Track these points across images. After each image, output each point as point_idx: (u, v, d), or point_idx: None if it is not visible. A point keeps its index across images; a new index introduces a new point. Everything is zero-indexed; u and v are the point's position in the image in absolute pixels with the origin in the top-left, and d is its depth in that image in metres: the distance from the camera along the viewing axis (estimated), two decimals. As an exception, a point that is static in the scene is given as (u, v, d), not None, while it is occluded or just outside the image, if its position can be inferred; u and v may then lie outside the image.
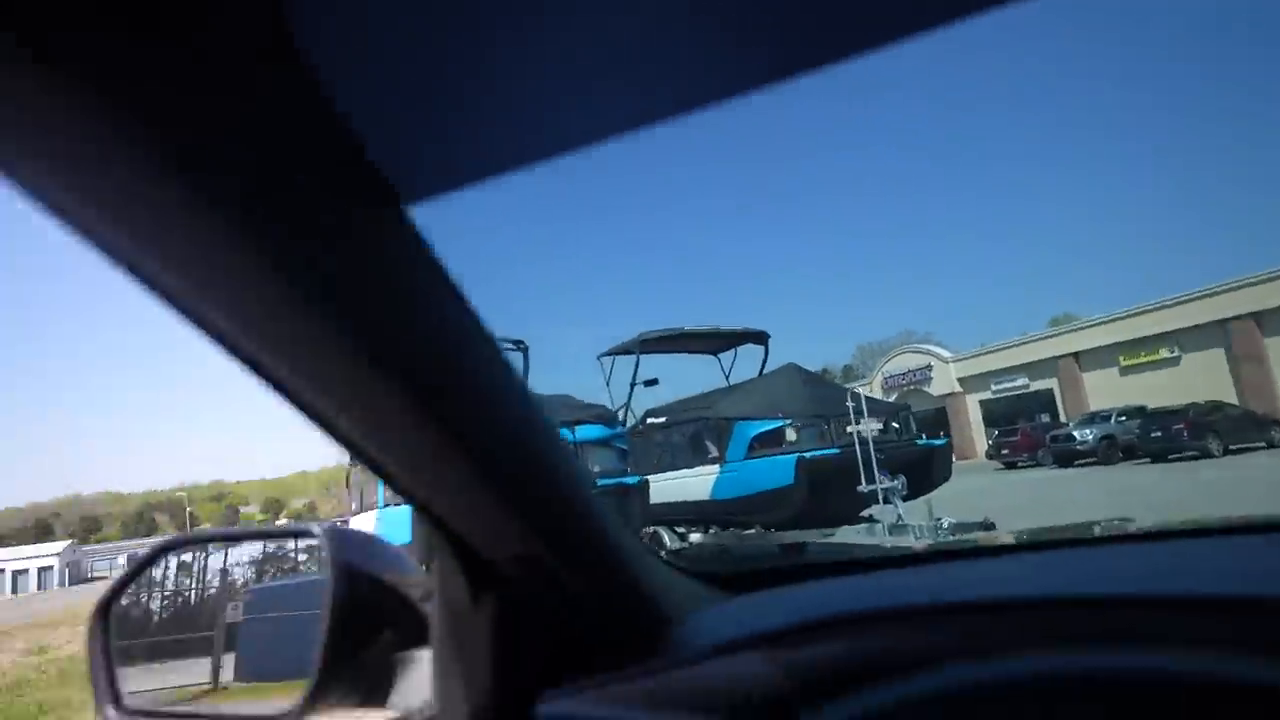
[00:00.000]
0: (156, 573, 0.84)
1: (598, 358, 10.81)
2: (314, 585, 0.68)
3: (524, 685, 0.61)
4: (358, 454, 0.47)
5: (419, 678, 0.63)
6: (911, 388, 38.11)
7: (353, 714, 0.63)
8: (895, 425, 7.60)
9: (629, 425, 9.99)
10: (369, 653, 0.64)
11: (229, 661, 0.80)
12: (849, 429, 6.93)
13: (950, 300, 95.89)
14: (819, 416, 7.22)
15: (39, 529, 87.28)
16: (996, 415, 32.39)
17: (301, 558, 0.82)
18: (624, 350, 10.25)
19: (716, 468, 7.50)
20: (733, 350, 11.43)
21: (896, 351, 41.52)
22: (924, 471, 7.13)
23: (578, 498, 0.58)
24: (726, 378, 11.01)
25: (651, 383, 10.31)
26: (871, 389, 40.66)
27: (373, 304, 0.38)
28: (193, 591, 0.87)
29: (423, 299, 0.40)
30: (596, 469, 6.01)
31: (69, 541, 56.13)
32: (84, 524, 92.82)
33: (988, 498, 11.15)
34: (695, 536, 8.31)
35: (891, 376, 39.32)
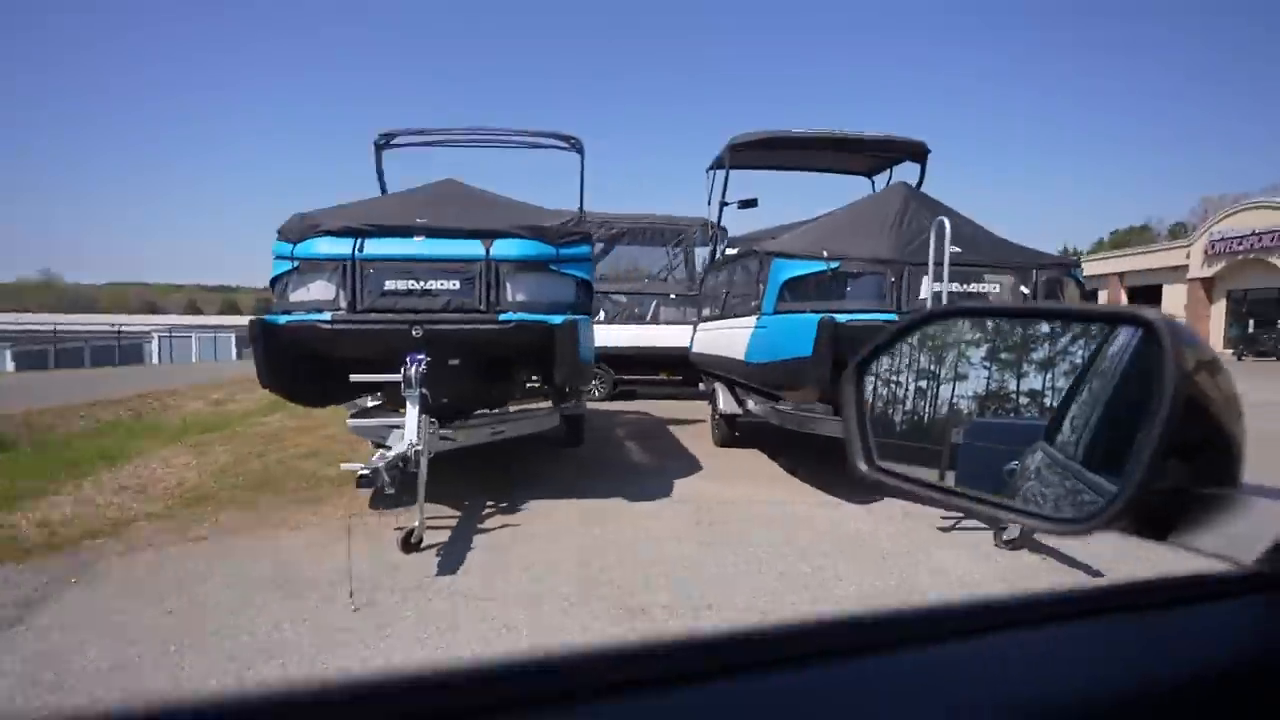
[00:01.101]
0: (913, 343, 0.74)
1: (706, 170, 8.73)
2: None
3: None
4: None
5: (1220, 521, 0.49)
6: (1251, 255, 28.30)
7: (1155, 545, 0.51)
8: (1025, 291, 4.75)
9: (717, 256, 8.06)
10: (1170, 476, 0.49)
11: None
12: (926, 286, 4.45)
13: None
14: (885, 262, 4.71)
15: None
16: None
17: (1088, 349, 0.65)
18: (717, 163, 8.04)
19: (754, 320, 5.51)
20: (887, 171, 8.54)
21: (1241, 205, 30.42)
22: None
23: None
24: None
25: (749, 204, 8.07)
26: (1189, 256, 31.17)
27: None
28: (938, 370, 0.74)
29: None
30: (519, 298, 4.46)
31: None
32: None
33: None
34: (752, 404, 6.52)
35: (1222, 240, 29.33)
